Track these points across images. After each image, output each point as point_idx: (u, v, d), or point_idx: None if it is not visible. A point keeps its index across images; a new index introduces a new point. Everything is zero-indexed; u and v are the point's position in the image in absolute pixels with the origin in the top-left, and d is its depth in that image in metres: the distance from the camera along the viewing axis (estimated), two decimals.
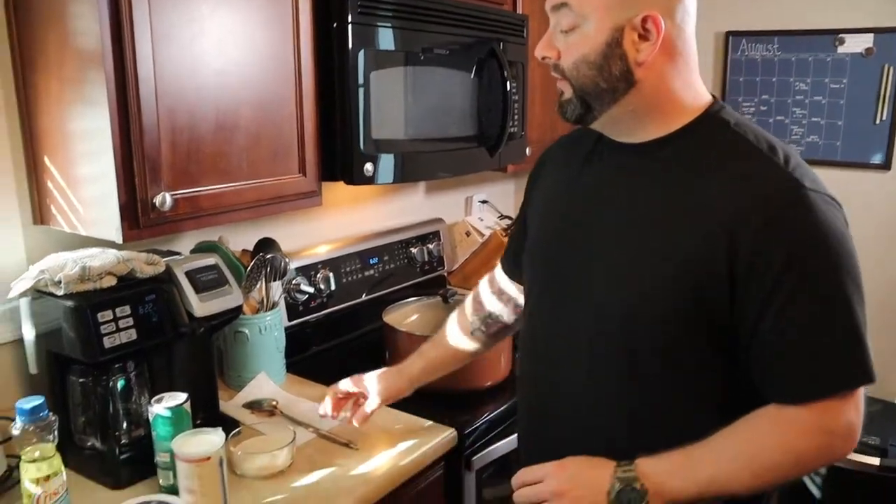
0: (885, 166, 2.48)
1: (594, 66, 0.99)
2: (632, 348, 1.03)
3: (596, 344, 1.07)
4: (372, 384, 1.44)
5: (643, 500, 0.96)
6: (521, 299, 1.34)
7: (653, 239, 1.01)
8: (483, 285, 1.44)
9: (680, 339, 1.00)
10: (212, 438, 1.19)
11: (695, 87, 1.04)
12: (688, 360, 1.01)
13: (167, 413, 1.23)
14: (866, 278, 0.97)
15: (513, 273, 1.36)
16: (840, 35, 2.45)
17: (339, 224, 2.15)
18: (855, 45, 2.44)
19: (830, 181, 1.00)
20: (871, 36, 2.41)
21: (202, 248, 1.62)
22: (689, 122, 1.03)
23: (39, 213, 1.45)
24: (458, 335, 1.43)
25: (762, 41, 2.55)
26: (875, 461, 2.19)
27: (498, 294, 1.39)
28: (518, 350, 1.28)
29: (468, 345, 1.43)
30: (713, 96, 1.07)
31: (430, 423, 1.55)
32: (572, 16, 0.99)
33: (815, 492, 2.28)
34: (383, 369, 1.47)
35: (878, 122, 2.45)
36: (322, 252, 2.02)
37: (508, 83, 1.91)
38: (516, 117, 2.05)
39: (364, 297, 2.13)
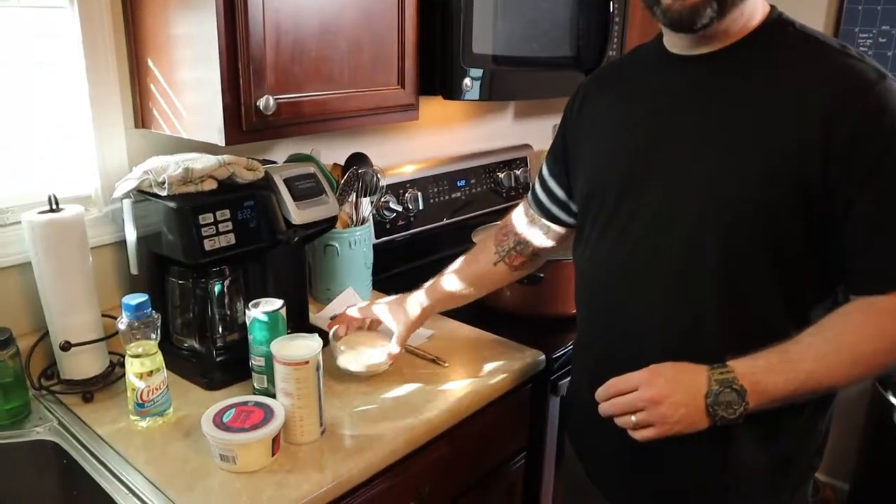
0: None
1: None
2: (732, 258, 1.00)
3: (690, 262, 1.03)
4: (395, 317, 1.41)
5: (743, 400, 0.95)
6: (556, 228, 1.35)
7: (746, 141, 0.99)
8: (518, 213, 1.40)
9: (778, 241, 0.99)
10: (309, 343, 1.19)
11: None
12: (782, 265, 1.00)
13: (264, 317, 1.25)
14: None
15: (541, 210, 1.35)
16: None
17: (426, 144, 2.12)
18: None
19: None
20: None
21: (295, 160, 1.61)
22: (759, 25, 1.03)
23: (141, 116, 1.46)
24: (480, 267, 1.42)
25: None
26: None
27: (531, 222, 1.37)
28: (578, 290, 1.23)
29: (489, 277, 1.42)
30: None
31: (519, 345, 1.54)
32: None
33: None
34: (399, 299, 1.43)
35: None
36: (409, 172, 2.00)
37: (612, 4, 1.82)
38: (616, 40, 1.96)
39: (445, 221, 2.11)
